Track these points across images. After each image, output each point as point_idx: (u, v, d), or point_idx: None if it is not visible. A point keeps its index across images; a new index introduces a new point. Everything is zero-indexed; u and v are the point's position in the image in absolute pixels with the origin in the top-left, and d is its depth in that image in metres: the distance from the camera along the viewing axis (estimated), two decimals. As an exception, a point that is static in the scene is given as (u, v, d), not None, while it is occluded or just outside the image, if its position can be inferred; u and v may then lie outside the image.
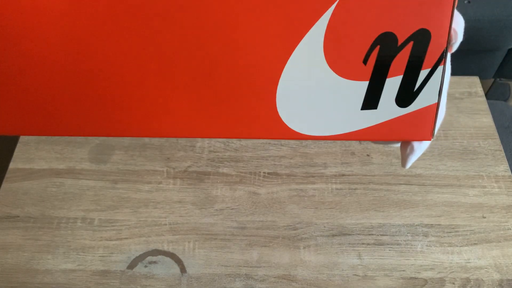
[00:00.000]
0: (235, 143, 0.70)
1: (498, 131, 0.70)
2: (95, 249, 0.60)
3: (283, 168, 0.67)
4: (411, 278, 0.58)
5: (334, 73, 0.27)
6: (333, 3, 0.25)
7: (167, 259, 0.59)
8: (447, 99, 0.74)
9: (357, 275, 0.58)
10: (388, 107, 0.28)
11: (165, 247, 0.60)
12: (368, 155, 0.68)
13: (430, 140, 0.31)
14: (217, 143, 0.70)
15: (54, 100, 0.27)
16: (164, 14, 0.24)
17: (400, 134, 0.30)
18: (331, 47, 0.26)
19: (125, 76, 0.27)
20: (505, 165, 0.67)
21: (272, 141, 0.70)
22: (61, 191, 0.65)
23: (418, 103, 0.29)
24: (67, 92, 0.27)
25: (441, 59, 0.27)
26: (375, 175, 0.66)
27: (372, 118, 0.29)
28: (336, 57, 0.27)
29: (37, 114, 0.28)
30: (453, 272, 0.58)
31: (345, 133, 0.29)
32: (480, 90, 0.75)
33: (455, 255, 0.59)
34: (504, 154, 0.68)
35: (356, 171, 0.67)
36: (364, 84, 0.28)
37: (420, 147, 0.33)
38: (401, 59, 0.27)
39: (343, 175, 0.66)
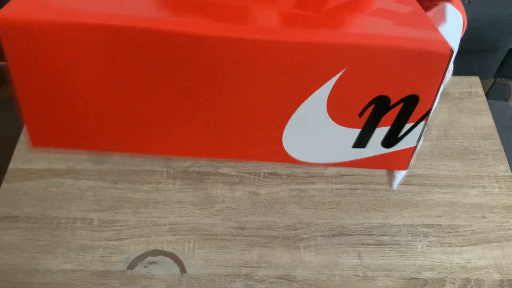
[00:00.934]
0: (235, 143, 0.70)
1: (498, 131, 0.70)
2: (95, 249, 0.60)
3: (283, 168, 0.67)
4: (411, 278, 0.57)
5: (332, 121, 0.33)
6: (340, 71, 0.30)
7: (167, 259, 0.59)
8: (447, 99, 0.75)
9: (357, 275, 0.58)
10: (374, 147, 0.35)
11: (165, 248, 0.60)
12: (368, 155, 0.68)
13: (405, 170, 0.37)
14: (217, 143, 0.69)
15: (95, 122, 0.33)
16: (192, 83, 0.31)
17: (381, 165, 0.37)
18: (333, 103, 0.32)
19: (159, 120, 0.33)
20: (505, 165, 0.67)
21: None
22: (61, 191, 0.65)
23: (400, 146, 0.35)
24: (105, 117, 0.33)
25: (424, 116, 0.33)
26: (375, 175, 0.66)
27: (360, 153, 0.36)
28: (336, 110, 0.33)
29: (84, 132, 0.34)
30: (453, 272, 0.58)
31: (335, 162, 0.36)
32: (480, 90, 0.75)
33: (456, 255, 0.59)
34: (504, 154, 0.68)
35: (356, 171, 0.66)
36: (357, 131, 0.34)
37: (400, 172, 0.42)
38: (391, 115, 0.33)
39: (343, 175, 0.66)
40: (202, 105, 0.32)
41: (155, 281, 0.58)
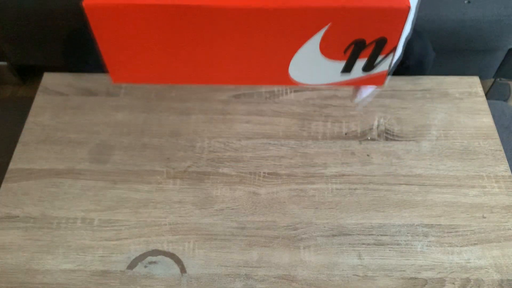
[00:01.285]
0: (235, 143, 0.70)
1: (498, 131, 0.70)
2: (95, 249, 0.60)
3: (283, 168, 0.67)
4: (411, 278, 0.58)
5: (324, 57, 0.47)
6: (326, 25, 0.44)
7: (167, 259, 0.59)
8: (447, 99, 0.74)
9: (357, 275, 0.58)
10: (357, 72, 0.49)
11: (165, 247, 0.60)
12: (368, 155, 0.68)
13: (382, 85, 0.51)
14: (217, 143, 0.69)
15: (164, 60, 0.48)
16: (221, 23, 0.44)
17: (363, 83, 0.51)
18: (324, 45, 0.46)
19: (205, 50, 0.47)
20: (505, 165, 0.67)
21: (272, 141, 0.70)
22: (61, 191, 0.65)
23: (376, 70, 0.49)
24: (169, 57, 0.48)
25: (392, 51, 0.46)
26: (375, 175, 0.66)
27: (347, 76, 0.50)
28: (326, 50, 0.47)
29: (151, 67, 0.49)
30: (453, 272, 0.58)
31: (328, 83, 0.51)
32: (480, 90, 0.75)
33: (455, 255, 0.59)
34: (504, 154, 0.68)
35: (356, 171, 0.66)
36: (343, 62, 0.48)
37: (365, 91, 0.58)
38: (367, 51, 0.46)
39: (343, 175, 0.66)
40: (229, 49, 0.46)
41: (155, 281, 0.58)
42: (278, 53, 0.47)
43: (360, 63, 0.48)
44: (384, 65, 0.48)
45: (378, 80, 0.50)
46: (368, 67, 0.49)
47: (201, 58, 0.48)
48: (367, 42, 0.45)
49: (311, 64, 0.48)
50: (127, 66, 0.49)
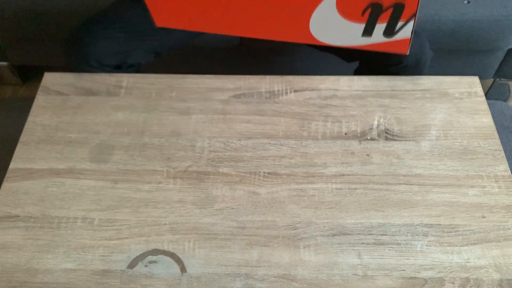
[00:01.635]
0: (235, 143, 0.70)
1: (498, 131, 0.70)
2: (95, 248, 0.60)
3: (283, 168, 0.67)
4: (411, 277, 0.58)
5: (342, 17, 0.48)
6: None
7: (167, 258, 0.59)
8: (447, 99, 0.74)
9: (357, 275, 0.58)
10: (378, 37, 0.50)
11: (165, 247, 0.60)
12: (368, 155, 0.68)
13: (406, 53, 0.52)
14: (217, 143, 0.70)
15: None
16: None
17: (386, 49, 0.52)
18: (341, 4, 0.47)
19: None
20: (505, 165, 0.67)
21: (272, 141, 0.70)
22: (61, 191, 0.65)
23: (398, 36, 0.50)
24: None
25: (411, 18, 0.47)
26: (375, 175, 0.66)
27: (368, 40, 0.51)
28: (344, 9, 0.47)
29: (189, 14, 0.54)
30: (452, 271, 0.58)
31: (350, 45, 0.51)
32: (480, 90, 0.75)
33: (455, 255, 0.59)
34: (503, 154, 0.68)
35: (356, 171, 0.67)
36: (362, 25, 0.49)
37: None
38: (385, 16, 0.47)
39: (343, 175, 0.66)
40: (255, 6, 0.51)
41: (156, 280, 0.58)
42: (298, 8, 0.48)
43: (380, 27, 0.49)
44: (406, 31, 0.49)
45: (401, 47, 0.50)
46: (389, 32, 0.49)
47: (233, 8, 0.50)
48: (384, 6, 0.46)
49: (331, 24, 0.49)
50: (169, 9, 0.53)
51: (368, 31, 0.49)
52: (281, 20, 0.51)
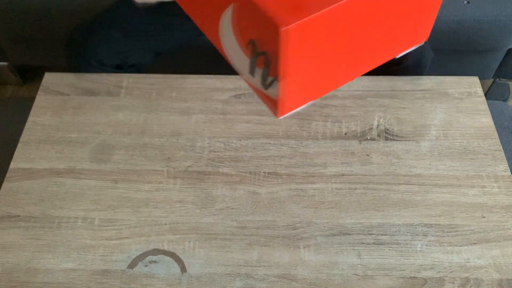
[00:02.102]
0: (235, 143, 0.70)
1: (497, 131, 0.70)
2: (96, 248, 0.60)
3: (283, 168, 0.67)
4: (410, 277, 0.58)
5: (236, 41, 0.38)
6: (230, 4, 0.36)
7: (168, 258, 0.59)
8: (447, 99, 0.75)
9: (357, 275, 0.58)
10: (257, 81, 0.40)
11: (166, 247, 0.60)
12: (368, 155, 0.68)
13: (276, 116, 0.41)
14: (217, 143, 0.70)
15: None
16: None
17: (264, 101, 0.41)
18: (234, 25, 0.38)
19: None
20: (505, 165, 0.67)
21: (272, 141, 0.70)
22: (62, 190, 0.65)
23: (269, 92, 0.39)
24: None
25: (278, 77, 0.36)
26: (375, 175, 0.66)
27: (252, 80, 0.40)
28: (236, 33, 0.38)
29: None
30: (452, 271, 0.58)
31: (241, 74, 0.41)
32: (479, 90, 0.75)
33: (455, 255, 0.59)
34: (503, 154, 0.68)
35: (356, 171, 0.67)
36: (247, 60, 0.39)
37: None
38: (261, 61, 0.37)
39: (343, 175, 0.66)
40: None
41: (156, 280, 0.58)
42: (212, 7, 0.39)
43: (258, 72, 0.38)
44: (274, 90, 0.38)
45: (272, 107, 0.40)
46: (262, 82, 0.39)
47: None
48: (258, 48, 0.36)
49: (230, 43, 0.39)
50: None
51: (251, 70, 0.39)
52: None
